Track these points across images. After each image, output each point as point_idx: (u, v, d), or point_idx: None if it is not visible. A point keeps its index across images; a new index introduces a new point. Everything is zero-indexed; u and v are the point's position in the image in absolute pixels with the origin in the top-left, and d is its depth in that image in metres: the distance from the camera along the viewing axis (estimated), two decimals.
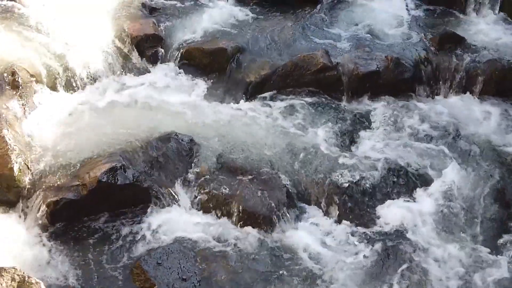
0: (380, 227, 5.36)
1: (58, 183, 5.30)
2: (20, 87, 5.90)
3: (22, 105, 5.89)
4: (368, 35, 7.28)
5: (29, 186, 5.32)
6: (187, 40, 7.12)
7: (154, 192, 5.34)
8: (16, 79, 5.89)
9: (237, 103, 6.54)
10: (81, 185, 5.22)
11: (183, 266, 4.81)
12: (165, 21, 7.40)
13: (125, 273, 4.84)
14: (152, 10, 7.57)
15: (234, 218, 5.30)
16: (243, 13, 7.69)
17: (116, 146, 5.60)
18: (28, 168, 5.39)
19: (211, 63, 6.91)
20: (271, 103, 6.56)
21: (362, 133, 6.25)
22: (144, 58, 6.99)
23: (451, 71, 6.88)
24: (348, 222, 5.39)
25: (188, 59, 6.95)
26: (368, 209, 5.51)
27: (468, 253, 5.15)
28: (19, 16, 6.80)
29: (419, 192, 5.63)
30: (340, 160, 5.81)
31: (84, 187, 5.20)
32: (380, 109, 6.56)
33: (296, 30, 7.30)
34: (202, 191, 5.45)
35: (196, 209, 5.40)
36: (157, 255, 4.84)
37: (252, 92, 6.68)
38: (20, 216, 5.22)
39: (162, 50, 7.07)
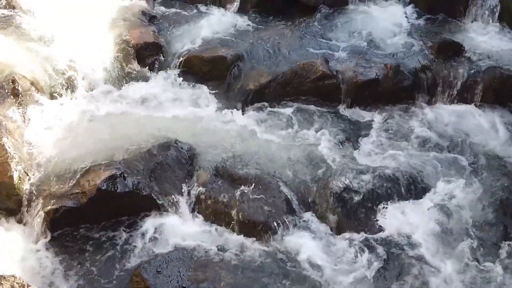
0: (379, 235, 5.35)
1: (58, 191, 5.30)
2: (20, 95, 5.90)
3: (22, 113, 5.88)
4: (367, 43, 7.29)
5: (29, 194, 5.32)
6: (187, 48, 7.14)
7: (153, 200, 5.34)
8: (16, 87, 5.89)
9: (237, 111, 6.55)
10: (80, 193, 5.22)
11: (183, 274, 4.81)
12: (165, 29, 7.44)
13: (125, 281, 4.84)
14: (152, 18, 7.61)
15: (233, 226, 5.30)
16: (242, 22, 7.73)
17: (116, 154, 5.60)
18: (28, 176, 5.39)
19: (210, 71, 6.93)
20: (270, 110, 6.57)
21: (361, 141, 6.26)
22: (144, 66, 7.01)
23: (450, 79, 6.89)
24: (347, 230, 5.39)
25: (188, 67, 6.97)
26: (368, 218, 5.50)
27: (468, 264, 5.14)
28: (19, 24, 6.80)
29: (418, 201, 5.62)
30: (340, 168, 5.81)
31: (84, 195, 5.21)
32: (379, 117, 6.58)
33: (295, 39, 7.31)
34: (201, 199, 5.45)
35: (196, 217, 5.40)
36: (157, 263, 4.83)
37: (251, 100, 6.69)
38: (19, 224, 5.22)
39: (162, 58, 7.09)
